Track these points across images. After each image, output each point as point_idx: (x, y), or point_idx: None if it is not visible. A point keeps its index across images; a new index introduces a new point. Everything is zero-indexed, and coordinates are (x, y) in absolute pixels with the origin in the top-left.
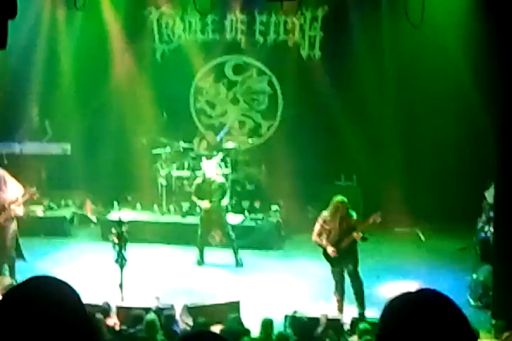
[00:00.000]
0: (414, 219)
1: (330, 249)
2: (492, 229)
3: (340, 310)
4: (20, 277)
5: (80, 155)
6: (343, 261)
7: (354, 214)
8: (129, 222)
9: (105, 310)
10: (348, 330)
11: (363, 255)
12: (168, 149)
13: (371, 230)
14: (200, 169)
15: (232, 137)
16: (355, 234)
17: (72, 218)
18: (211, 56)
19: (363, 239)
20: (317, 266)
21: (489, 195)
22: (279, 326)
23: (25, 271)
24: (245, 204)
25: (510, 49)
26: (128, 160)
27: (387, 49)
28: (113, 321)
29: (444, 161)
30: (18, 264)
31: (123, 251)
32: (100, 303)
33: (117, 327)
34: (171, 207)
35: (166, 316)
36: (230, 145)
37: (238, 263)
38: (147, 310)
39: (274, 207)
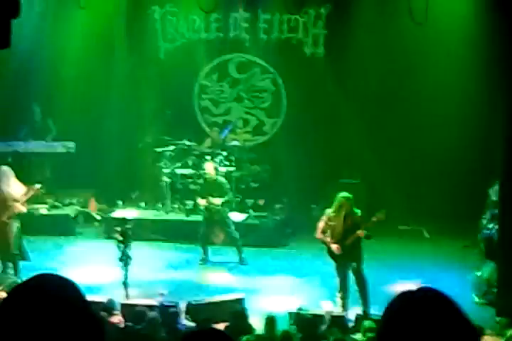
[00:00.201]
0: (419, 217)
1: (334, 246)
2: (496, 227)
3: (345, 307)
4: (25, 275)
5: (85, 153)
6: (348, 258)
7: (358, 212)
8: (133, 220)
9: (109, 308)
10: (352, 327)
11: (366, 252)
12: (171, 147)
13: (375, 228)
14: (203, 167)
15: (236, 135)
16: (359, 232)
17: (77, 216)
18: (215, 54)
19: (367, 236)
20: (321, 263)
21: (493, 192)
22: (283, 323)
23: (29, 269)
24: (249, 201)
25: None
26: (132, 158)
27: (390, 47)
28: (117, 318)
29: (448, 159)
30: (22, 262)
31: (127, 249)
32: (104, 301)
33: (122, 325)
34: (175, 205)
35: (170, 313)
36: (234, 143)
37: (242, 261)
38: (151, 307)
39: (278, 205)
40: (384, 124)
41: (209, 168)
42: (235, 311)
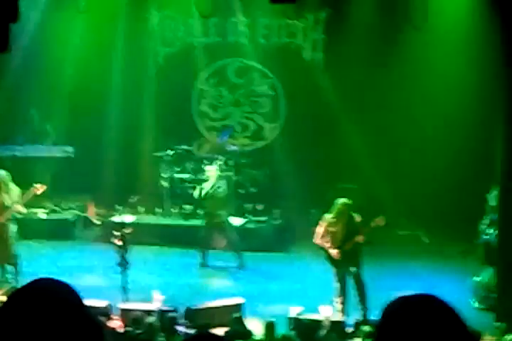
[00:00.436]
0: (417, 222)
1: (333, 252)
2: (495, 232)
3: (344, 312)
4: (23, 279)
5: (83, 158)
6: (346, 263)
7: (357, 217)
8: (131, 225)
9: (107, 312)
10: (351, 333)
11: (365, 257)
12: (170, 152)
13: (374, 233)
14: (202, 172)
15: (235, 140)
16: (358, 237)
17: (76, 221)
18: (213, 59)
19: (367, 242)
20: (320, 268)
21: (491, 197)
22: (282, 328)
23: (27, 273)
24: (248, 206)
25: None
26: (131, 163)
27: (389, 51)
28: (115, 323)
29: (446, 164)
30: (20, 267)
31: (126, 253)
32: (103, 305)
33: (121, 329)
34: (174, 210)
35: (168, 318)
36: (232, 147)
37: (241, 266)
38: (150, 312)
39: (277, 210)
40: (383, 130)
41: (211, 171)
42: (234, 316)
